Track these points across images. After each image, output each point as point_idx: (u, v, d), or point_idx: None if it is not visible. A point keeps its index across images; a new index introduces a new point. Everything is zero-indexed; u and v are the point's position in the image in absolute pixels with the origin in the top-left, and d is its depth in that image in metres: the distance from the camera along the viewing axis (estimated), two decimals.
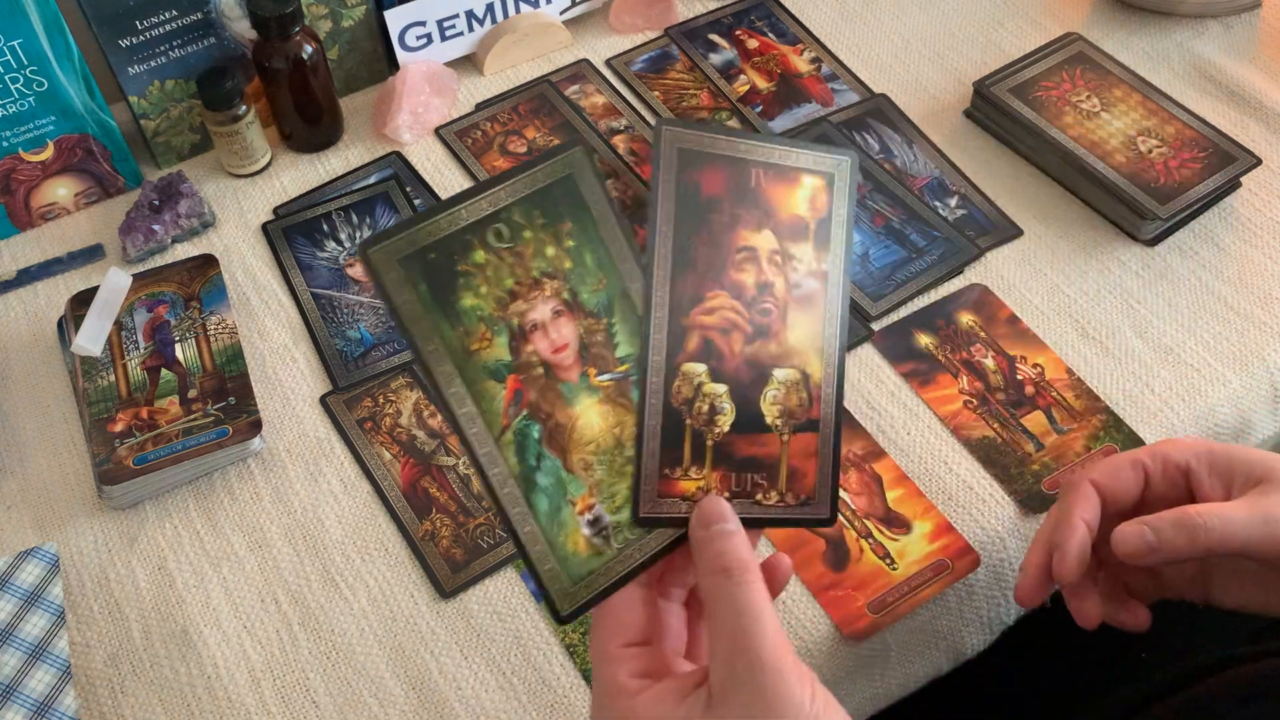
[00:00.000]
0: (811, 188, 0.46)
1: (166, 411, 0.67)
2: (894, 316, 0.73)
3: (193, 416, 0.67)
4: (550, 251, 0.43)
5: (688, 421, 0.44)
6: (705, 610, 0.41)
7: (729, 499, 0.44)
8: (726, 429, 0.45)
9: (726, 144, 0.45)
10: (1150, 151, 0.77)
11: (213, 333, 0.71)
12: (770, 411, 0.46)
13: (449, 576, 0.62)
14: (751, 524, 0.45)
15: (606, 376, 0.44)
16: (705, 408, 0.44)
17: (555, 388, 0.43)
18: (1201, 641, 0.62)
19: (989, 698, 0.67)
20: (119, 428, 0.66)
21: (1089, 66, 0.83)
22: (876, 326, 0.73)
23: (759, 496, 0.45)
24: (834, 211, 0.47)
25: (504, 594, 0.62)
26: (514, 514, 0.42)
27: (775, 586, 0.45)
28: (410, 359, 0.70)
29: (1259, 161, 0.77)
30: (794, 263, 0.46)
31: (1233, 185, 0.77)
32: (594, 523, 0.43)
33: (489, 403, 0.42)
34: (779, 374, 0.46)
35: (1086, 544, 0.51)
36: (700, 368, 0.44)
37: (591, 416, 0.44)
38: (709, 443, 0.44)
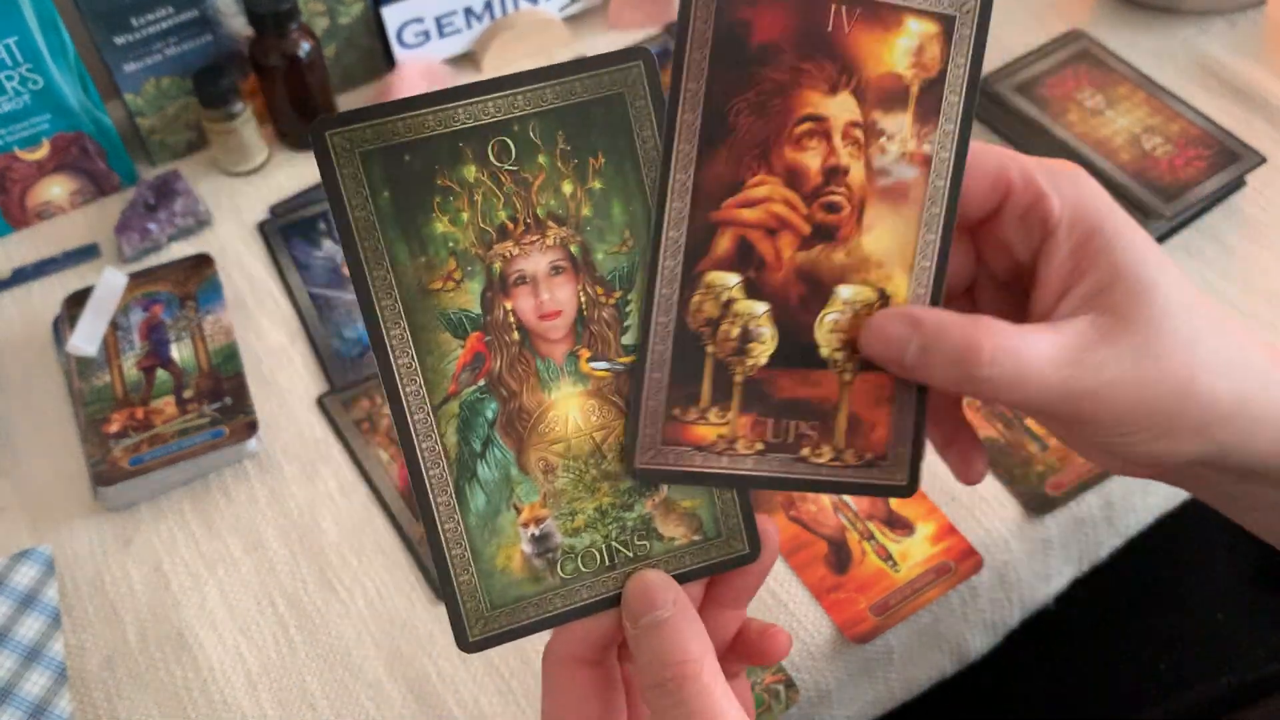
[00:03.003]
0: (920, 35, 0.34)
1: (162, 412, 0.66)
2: None
3: (188, 417, 0.66)
4: (568, 189, 0.33)
5: (709, 349, 0.34)
6: None
7: (764, 452, 0.35)
8: (763, 361, 0.35)
9: None
10: (1155, 149, 0.77)
11: (208, 332, 0.70)
12: (828, 341, 0.35)
13: None
14: (795, 486, 0.35)
15: (603, 364, 0.34)
16: (735, 332, 0.34)
17: (531, 362, 0.34)
18: (1221, 658, 0.62)
19: (993, 701, 0.67)
20: (114, 428, 0.65)
21: (1093, 64, 0.83)
22: None
23: (806, 451, 0.35)
24: (950, 70, 0.35)
25: None
26: (438, 504, 0.34)
27: (764, 660, 0.36)
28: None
29: (1264, 160, 0.76)
30: (882, 140, 0.34)
31: (1238, 184, 0.77)
32: (540, 540, 0.34)
33: (438, 359, 0.33)
34: (845, 292, 0.35)
35: None
36: (732, 279, 0.34)
37: (569, 409, 0.34)
38: (737, 378, 0.35)
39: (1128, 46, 0.87)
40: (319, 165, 0.32)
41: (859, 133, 0.34)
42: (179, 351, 0.69)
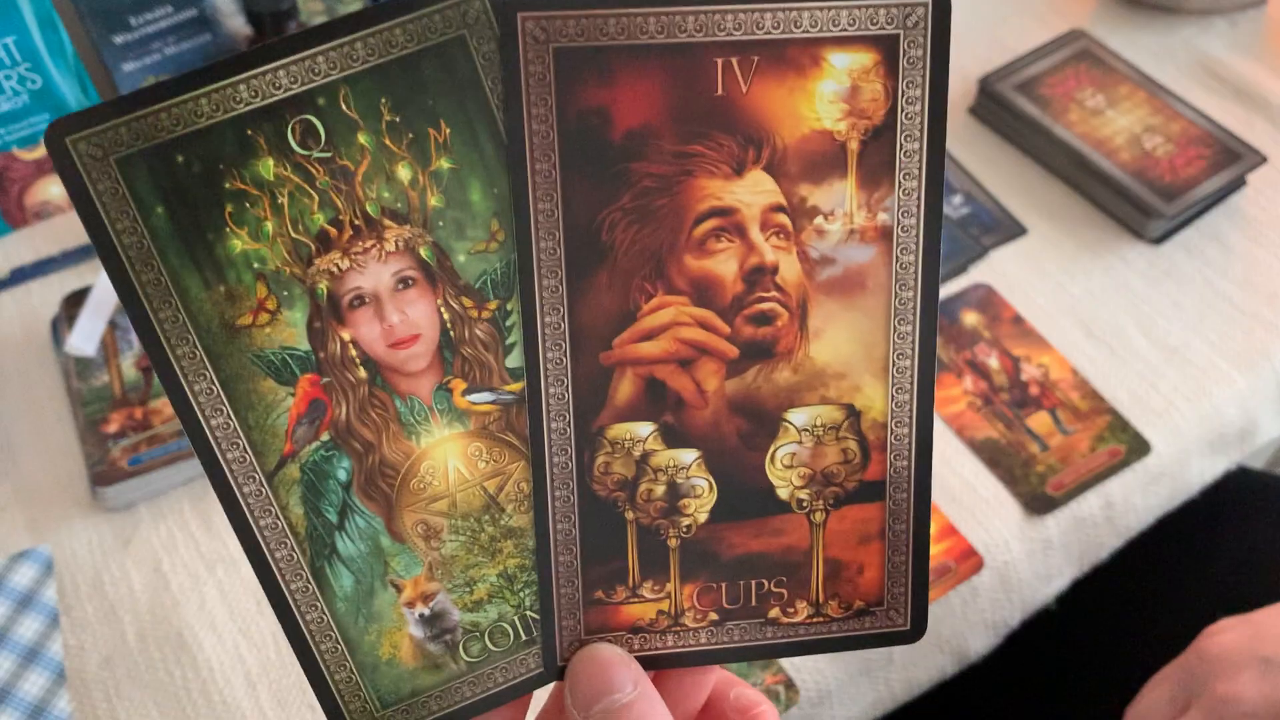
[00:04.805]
0: (851, 72, 0.26)
1: (161, 412, 0.66)
2: None
3: None
4: (405, 174, 0.26)
5: (629, 516, 0.28)
6: None
7: (720, 621, 0.29)
8: (703, 517, 0.29)
9: (655, 21, 0.25)
10: (1156, 149, 0.77)
11: None
12: (785, 479, 0.29)
13: None
14: (768, 654, 0.30)
15: (484, 396, 0.28)
16: (659, 490, 0.28)
17: (388, 404, 0.27)
18: None
19: (994, 701, 0.67)
20: (113, 428, 0.65)
21: (1094, 63, 0.82)
22: None
23: (774, 613, 0.29)
24: (902, 110, 0.26)
25: None
26: (292, 592, 0.28)
27: None
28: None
29: (1265, 159, 0.76)
30: (819, 221, 0.27)
31: (1239, 183, 0.77)
32: (431, 620, 0.28)
33: (262, 415, 0.27)
34: (799, 417, 0.28)
35: None
36: (643, 428, 0.28)
37: (448, 457, 0.28)
38: (671, 543, 0.29)
39: (1128, 46, 0.86)
40: (64, 183, 0.24)
41: (784, 218, 0.27)
42: None
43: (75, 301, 0.71)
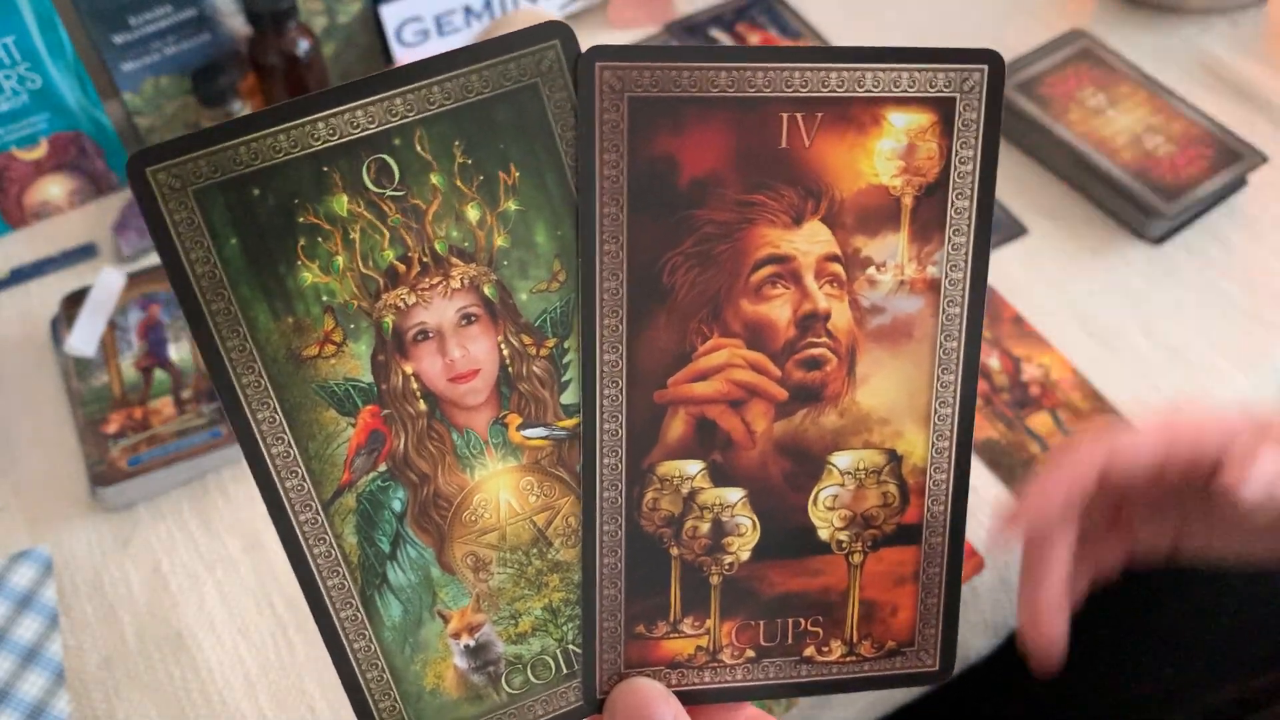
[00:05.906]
0: (908, 131, 0.27)
1: (160, 412, 0.66)
2: None
3: (186, 417, 0.66)
4: (473, 215, 0.27)
5: (674, 552, 0.29)
6: None
7: (756, 659, 0.30)
8: (745, 555, 0.29)
9: (726, 76, 0.26)
10: (1156, 149, 0.77)
11: None
12: (826, 520, 0.29)
13: None
14: (801, 692, 0.31)
15: (539, 431, 0.28)
16: (704, 527, 0.29)
17: (445, 437, 0.28)
18: (1228, 662, 0.61)
19: (994, 702, 0.67)
20: (112, 428, 0.65)
21: (1095, 63, 0.82)
22: None
23: (810, 651, 0.30)
24: (954, 169, 0.28)
25: None
26: (341, 620, 0.28)
27: None
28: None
29: (1265, 159, 0.76)
30: (870, 271, 0.28)
31: (1239, 183, 0.77)
32: (476, 651, 0.29)
33: (323, 444, 0.27)
34: (843, 461, 0.29)
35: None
36: (692, 466, 0.28)
37: (500, 490, 0.28)
38: (713, 580, 0.30)
39: (1129, 45, 0.86)
40: (142, 211, 0.25)
41: (838, 267, 0.28)
42: (177, 351, 0.69)
43: (75, 301, 0.71)
